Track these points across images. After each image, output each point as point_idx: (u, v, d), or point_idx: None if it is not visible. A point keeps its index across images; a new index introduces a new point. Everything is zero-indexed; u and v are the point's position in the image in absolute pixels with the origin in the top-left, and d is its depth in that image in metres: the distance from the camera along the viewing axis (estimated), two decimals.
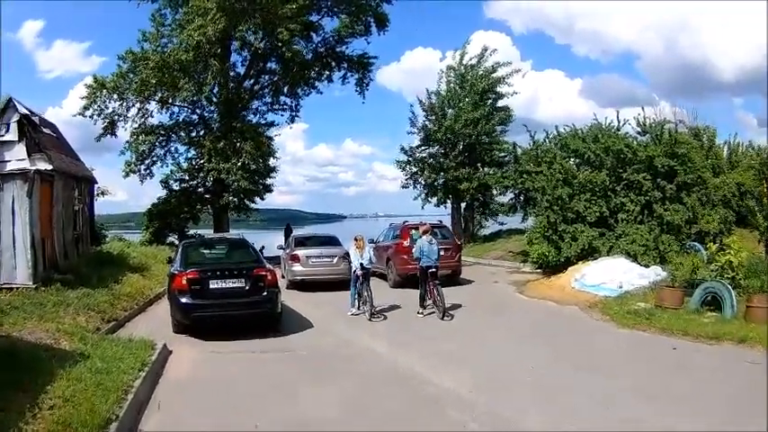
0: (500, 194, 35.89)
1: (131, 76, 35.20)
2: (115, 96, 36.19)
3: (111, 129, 37.25)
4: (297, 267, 22.13)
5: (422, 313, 16.41)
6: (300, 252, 22.63)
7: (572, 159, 23.69)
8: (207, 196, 38.96)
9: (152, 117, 38.89)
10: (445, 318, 15.79)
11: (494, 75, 37.05)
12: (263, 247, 20.80)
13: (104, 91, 35.79)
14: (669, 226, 20.96)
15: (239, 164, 35.48)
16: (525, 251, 26.44)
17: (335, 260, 22.10)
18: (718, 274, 15.48)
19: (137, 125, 38.11)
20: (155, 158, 39.06)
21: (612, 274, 18.44)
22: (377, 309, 16.67)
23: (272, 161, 39.84)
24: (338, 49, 40.60)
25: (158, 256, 25.42)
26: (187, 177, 39.23)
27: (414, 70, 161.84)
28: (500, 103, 37.91)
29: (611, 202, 21.83)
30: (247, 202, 40.31)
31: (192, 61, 34.46)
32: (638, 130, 23.70)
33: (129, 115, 37.50)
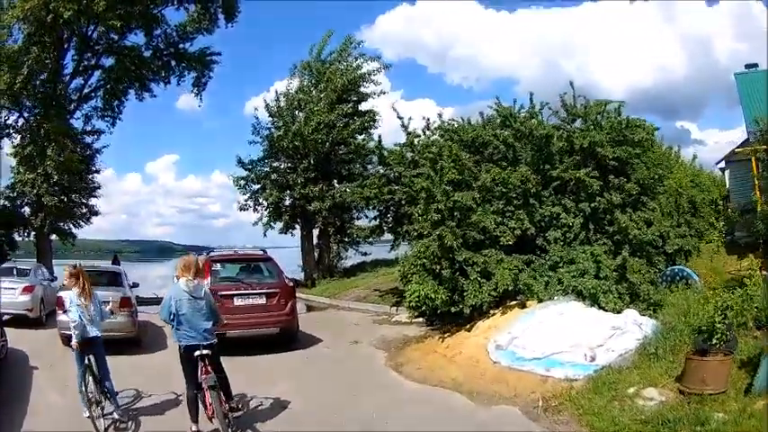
0: (359, 214, 29.51)
1: None
2: None
3: None
4: (62, 317, 13.77)
5: None
6: (67, 294, 14.18)
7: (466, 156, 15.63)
8: (32, 218, 32.16)
9: None
10: None
11: (358, 71, 30.74)
12: (135, 284, 17.41)
13: None
14: (632, 245, 13.59)
15: (44, 174, 29.77)
16: (398, 289, 18.84)
17: (108, 308, 13.75)
18: None
19: None
20: None
21: (569, 333, 10.57)
22: (131, 406, 9.56)
23: (96, 177, 34.74)
24: (181, 46, 34.61)
25: None
26: (13, 194, 32.65)
27: None
28: (363, 107, 31.55)
29: (535, 213, 14.06)
30: (72, 226, 34.52)
31: (17, 51, 28.33)
32: (563, 116, 15.62)
33: None
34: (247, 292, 14.09)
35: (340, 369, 12.37)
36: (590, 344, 10.12)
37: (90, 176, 34.30)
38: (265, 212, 31.10)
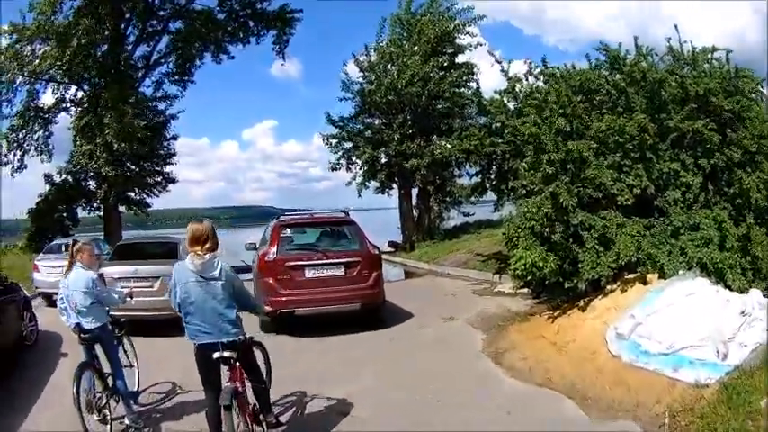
0: (460, 172, 27.61)
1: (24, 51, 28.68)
2: (2, 79, 29.50)
3: None
4: None
5: None
6: (109, 271, 13.06)
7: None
8: (98, 191, 32.11)
9: (37, 99, 31.82)
10: None
11: (451, 22, 28.76)
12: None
13: None
14: (754, 211, 11.35)
15: (104, 144, 29.21)
16: (502, 253, 17.17)
17: (157, 284, 12.67)
18: None
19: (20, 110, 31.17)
20: (26, 146, 31.75)
21: (699, 320, 8.37)
22: (157, 406, 8.16)
23: (172, 145, 34.63)
24: (258, 6, 33.96)
25: None
26: (75, 168, 32.26)
27: None
28: (460, 60, 29.57)
29: (653, 170, 11.64)
30: (146, 196, 34.54)
31: (66, 26, 27.59)
32: (670, 62, 13.37)
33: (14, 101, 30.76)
34: (321, 261, 12.36)
35: (427, 358, 10.33)
36: (722, 335, 7.98)
37: (165, 143, 33.83)
38: (359, 171, 29.63)
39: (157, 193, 34.61)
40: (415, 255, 26.54)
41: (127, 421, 7.17)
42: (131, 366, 8.26)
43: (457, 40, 29.04)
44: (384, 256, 25.61)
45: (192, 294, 5.98)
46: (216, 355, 5.93)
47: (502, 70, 16.14)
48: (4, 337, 10.17)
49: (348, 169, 29.76)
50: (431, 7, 29.20)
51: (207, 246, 6.03)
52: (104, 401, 7.05)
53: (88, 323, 7.18)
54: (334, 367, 9.67)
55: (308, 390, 8.32)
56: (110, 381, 7.28)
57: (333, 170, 30.12)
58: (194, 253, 6.02)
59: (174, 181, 34.94)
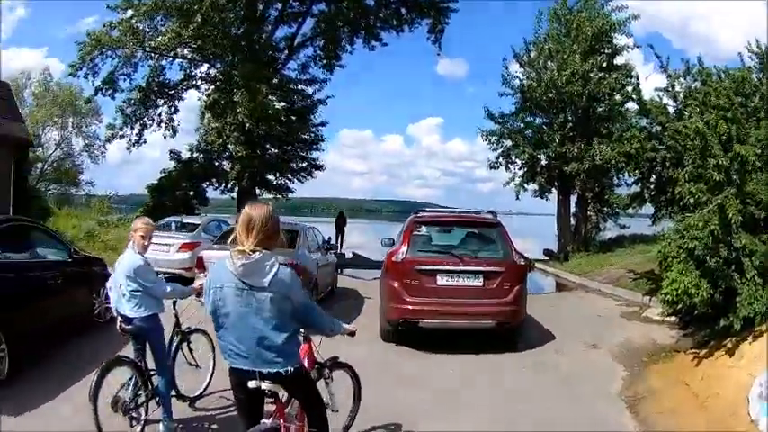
0: (619, 181, 25.29)
1: (141, 26, 28.17)
2: (119, 53, 28.58)
3: (111, 86, 29.40)
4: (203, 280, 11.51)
5: None
6: (208, 254, 13.15)
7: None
8: (231, 171, 31.11)
9: (163, 75, 31.24)
10: None
11: (608, 20, 27.46)
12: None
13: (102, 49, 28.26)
14: None
15: (235, 123, 28.20)
16: (653, 272, 15.54)
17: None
18: None
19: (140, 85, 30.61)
20: (147, 121, 31.24)
21: None
22: (217, 415, 7.25)
23: (320, 131, 33.81)
24: None
25: None
26: (207, 147, 31.89)
27: None
28: (618, 61, 28.10)
29: None
30: (287, 181, 33.85)
31: (190, 2, 26.51)
32: None
33: (134, 76, 30.12)
34: (458, 268, 10.73)
35: (558, 397, 8.77)
36: None
37: (313, 129, 33.02)
38: (518, 172, 28.70)
39: (302, 178, 33.89)
40: (569, 266, 25.25)
41: (161, 428, 6.41)
42: (197, 366, 7.53)
43: (614, 41, 27.83)
44: (538, 265, 24.52)
45: (227, 304, 4.26)
46: (252, 384, 4.30)
47: (661, 66, 15.36)
48: (66, 309, 10.00)
49: (507, 169, 28.96)
50: (586, 3, 28.00)
51: (256, 240, 4.21)
52: (141, 401, 6.34)
53: (131, 311, 6.39)
54: (449, 399, 8.40)
55: (405, 424, 7.13)
56: (155, 379, 6.54)
57: (492, 168, 29.26)
58: (239, 249, 4.21)
59: (320, 168, 34.20)
